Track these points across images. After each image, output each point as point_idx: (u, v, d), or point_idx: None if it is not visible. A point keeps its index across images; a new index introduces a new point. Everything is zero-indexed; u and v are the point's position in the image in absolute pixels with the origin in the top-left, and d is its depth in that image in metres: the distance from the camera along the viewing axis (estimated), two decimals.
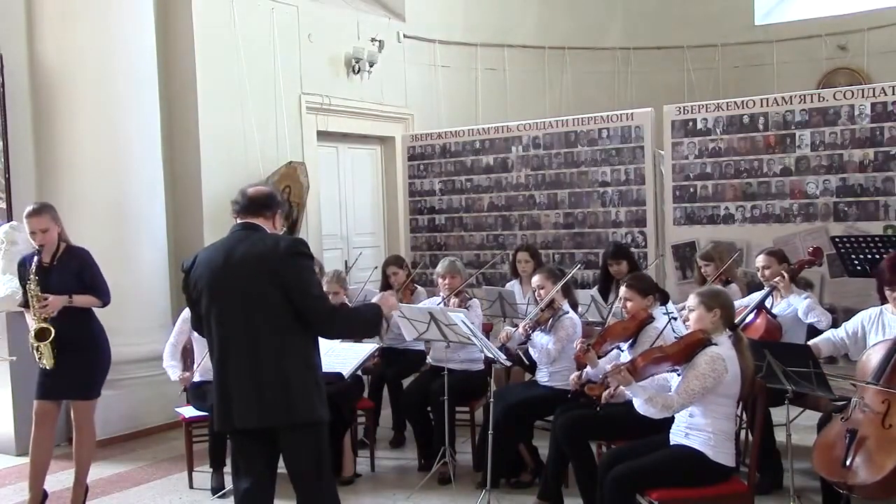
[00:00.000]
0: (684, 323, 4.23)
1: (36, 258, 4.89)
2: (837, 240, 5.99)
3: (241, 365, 3.57)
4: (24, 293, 4.94)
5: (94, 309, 5.10)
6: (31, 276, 4.84)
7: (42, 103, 6.84)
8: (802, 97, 7.11)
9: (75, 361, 4.91)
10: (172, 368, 5.80)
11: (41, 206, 5.04)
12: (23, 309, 5.14)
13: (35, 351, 4.86)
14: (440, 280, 6.09)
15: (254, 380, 3.54)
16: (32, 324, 4.87)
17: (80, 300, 4.93)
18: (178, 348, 5.89)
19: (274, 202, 3.82)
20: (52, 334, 4.79)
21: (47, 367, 4.86)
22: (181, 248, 7.57)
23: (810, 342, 4.73)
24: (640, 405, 3.99)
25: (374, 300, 4.04)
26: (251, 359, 3.56)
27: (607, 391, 4.13)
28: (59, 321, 4.86)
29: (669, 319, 4.59)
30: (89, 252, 5.11)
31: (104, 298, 5.06)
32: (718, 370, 3.90)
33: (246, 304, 3.56)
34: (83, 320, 5.01)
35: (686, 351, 3.98)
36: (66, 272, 4.94)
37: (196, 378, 5.78)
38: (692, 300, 4.16)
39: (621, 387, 4.01)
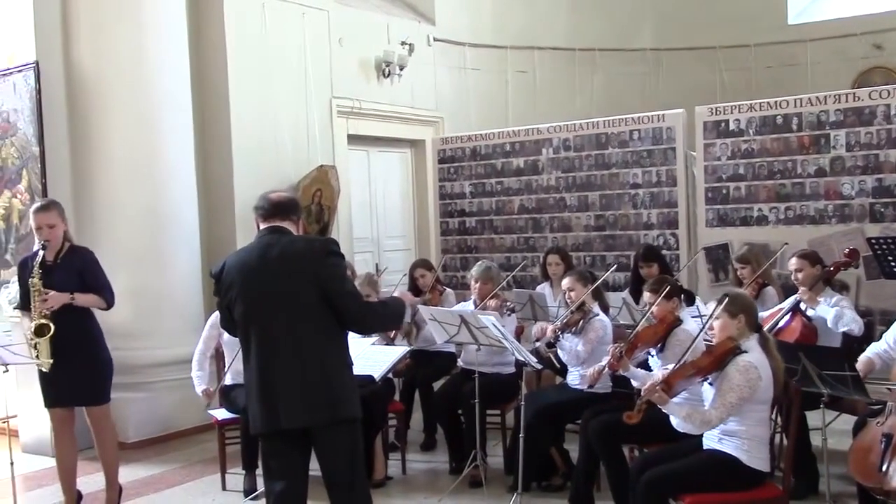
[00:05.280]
0: (708, 332, 4.17)
1: (40, 255, 4.85)
2: (874, 241, 5.91)
3: (286, 365, 3.59)
4: (24, 293, 4.90)
5: (97, 312, 5.08)
6: (36, 269, 4.80)
7: (77, 110, 6.93)
8: (837, 97, 7.02)
9: (79, 369, 4.87)
10: (198, 379, 5.81)
11: (49, 202, 5.07)
12: (19, 312, 5.11)
13: (33, 349, 4.75)
14: (472, 283, 6.06)
15: (300, 379, 3.57)
16: (28, 323, 4.83)
17: (83, 299, 4.89)
18: (207, 356, 5.91)
19: (298, 207, 3.92)
20: (52, 330, 4.71)
21: (44, 369, 4.76)
22: (214, 251, 7.63)
23: (863, 357, 4.63)
24: (678, 423, 3.98)
25: (395, 293, 4.15)
26: (296, 359, 3.58)
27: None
28: (59, 323, 4.77)
29: (703, 325, 4.53)
30: (93, 252, 5.11)
31: (108, 298, 5.01)
32: (753, 379, 3.84)
33: (285, 305, 3.59)
34: (83, 323, 4.97)
35: (717, 362, 3.94)
36: (69, 271, 4.91)
37: (227, 381, 5.82)
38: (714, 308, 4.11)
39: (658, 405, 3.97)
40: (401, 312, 3.98)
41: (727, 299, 4.05)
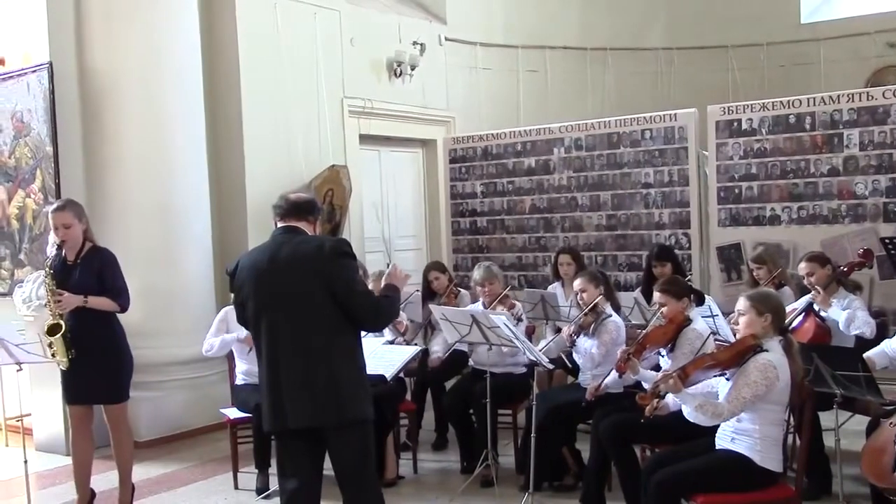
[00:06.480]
0: (733, 325, 4.16)
1: (52, 254, 4.86)
2: (887, 241, 5.89)
3: (292, 365, 3.61)
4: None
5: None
6: (47, 269, 4.79)
7: (90, 110, 6.96)
8: (850, 96, 6.99)
9: (99, 366, 4.87)
10: (226, 339, 5.75)
11: (66, 202, 5.05)
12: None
13: (48, 347, 4.71)
14: (479, 288, 6.02)
15: (305, 380, 3.59)
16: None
17: (95, 302, 4.84)
18: None
19: (316, 208, 3.92)
20: (63, 329, 4.70)
21: (62, 368, 4.79)
22: (226, 250, 7.66)
23: (864, 355, 4.61)
24: (689, 413, 3.95)
25: (383, 280, 3.97)
26: (301, 359, 3.60)
27: (650, 405, 4.05)
28: (81, 322, 4.78)
29: (715, 322, 4.52)
30: (114, 254, 5.09)
31: (122, 302, 4.96)
32: (770, 378, 3.83)
33: (293, 305, 3.61)
34: (105, 320, 4.95)
35: (737, 357, 3.92)
36: (89, 271, 4.90)
37: (238, 381, 5.84)
38: (742, 303, 4.06)
39: (669, 395, 3.95)
40: (398, 297, 3.92)
41: (758, 296, 4.06)
